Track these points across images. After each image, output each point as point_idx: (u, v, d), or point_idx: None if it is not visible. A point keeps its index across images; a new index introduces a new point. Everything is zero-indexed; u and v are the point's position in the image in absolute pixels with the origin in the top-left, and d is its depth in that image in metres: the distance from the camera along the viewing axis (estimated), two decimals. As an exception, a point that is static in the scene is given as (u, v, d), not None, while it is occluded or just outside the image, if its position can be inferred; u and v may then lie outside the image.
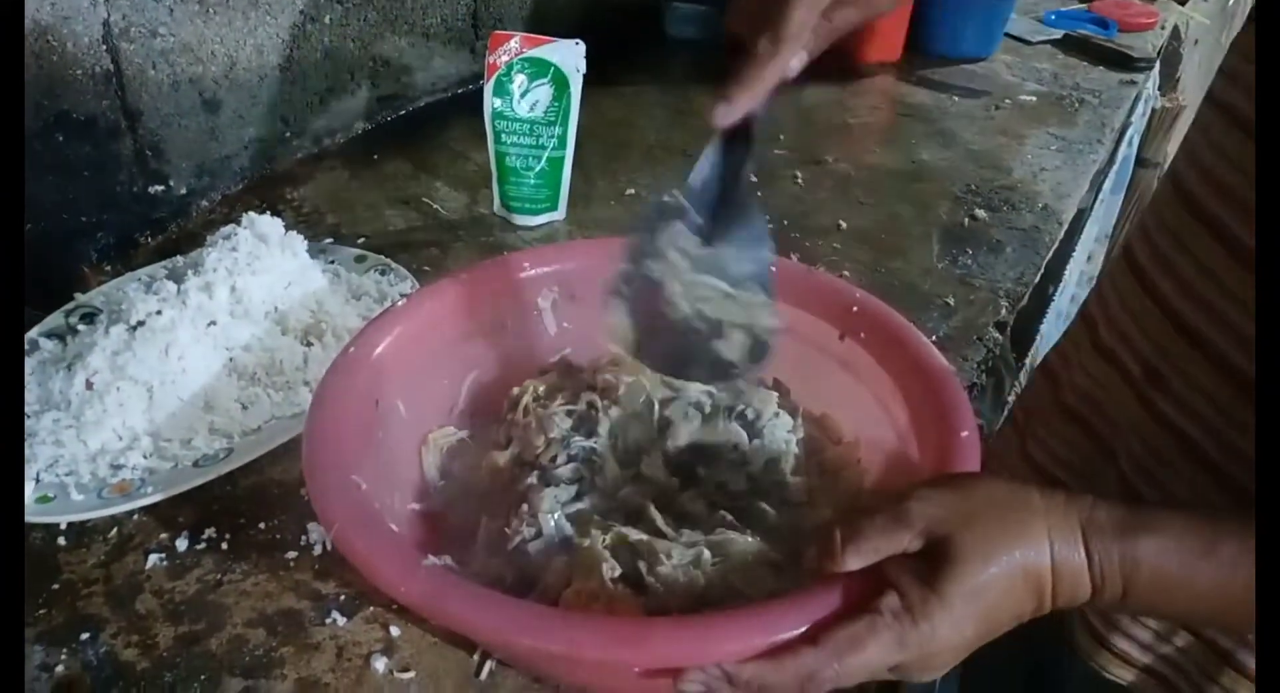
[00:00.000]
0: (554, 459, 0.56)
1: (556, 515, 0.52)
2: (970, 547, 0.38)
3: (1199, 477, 0.52)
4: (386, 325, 0.58)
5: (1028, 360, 0.92)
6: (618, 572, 0.48)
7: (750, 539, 0.49)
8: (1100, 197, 1.33)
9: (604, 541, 0.49)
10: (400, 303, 0.59)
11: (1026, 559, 0.39)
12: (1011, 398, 0.88)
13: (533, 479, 0.55)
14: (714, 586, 0.47)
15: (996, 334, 0.80)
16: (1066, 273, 1.07)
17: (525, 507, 0.53)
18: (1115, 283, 0.60)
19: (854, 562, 0.40)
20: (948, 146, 1.14)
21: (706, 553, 0.48)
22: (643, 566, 0.48)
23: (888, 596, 0.39)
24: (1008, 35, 1.49)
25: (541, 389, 0.62)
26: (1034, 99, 1.30)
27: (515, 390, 0.62)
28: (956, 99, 1.28)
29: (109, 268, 0.84)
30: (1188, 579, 0.39)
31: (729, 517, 0.52)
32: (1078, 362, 0.63)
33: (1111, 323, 0.59)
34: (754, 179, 0.48)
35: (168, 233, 0.90)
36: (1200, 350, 0.51)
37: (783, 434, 0.58)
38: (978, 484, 0.42)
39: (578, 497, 0.54)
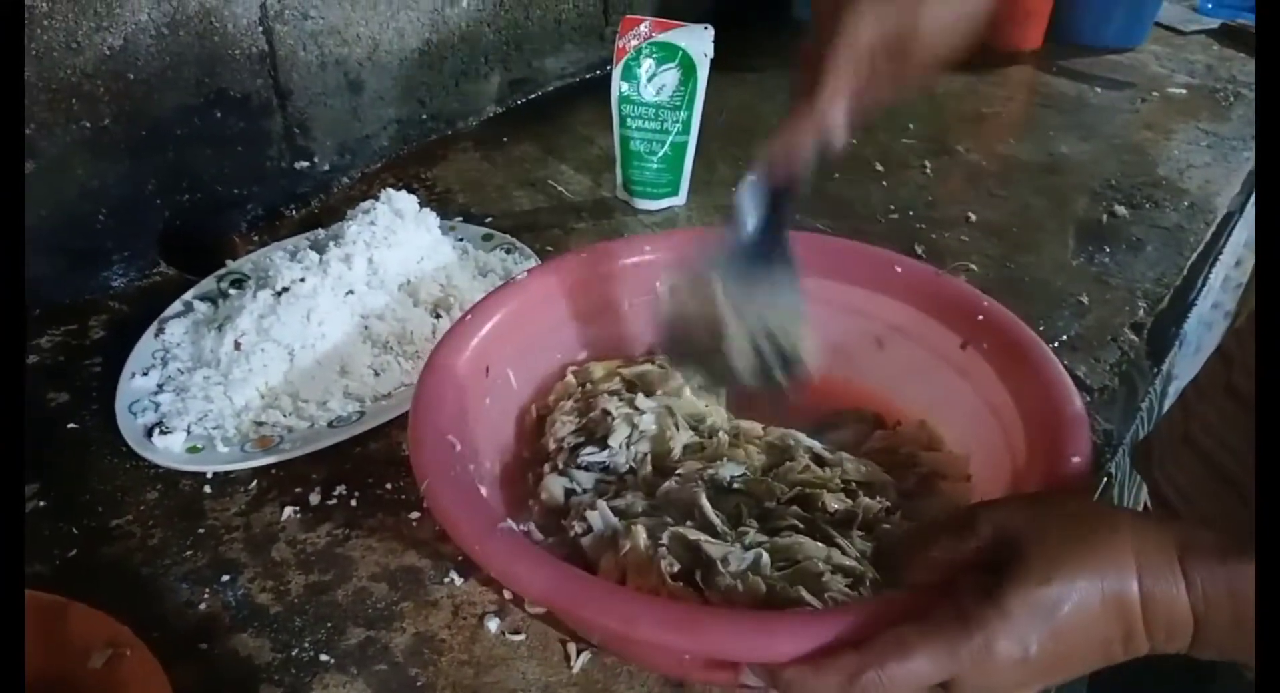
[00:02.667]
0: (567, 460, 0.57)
1: (600, 511, 0.52)
2: (1037, 557, 0.35)
3: None
4: (505, 297, 0.60)
5: (1164, 366, 0.88)
6: (676, 568, 0.47)
7: (820, 545, 0.48)
8: (1252, 198, 1.24)
9: (660, 539, 0.48)
10: (520, 276, 0.61)
11: (1106, 581, 0.35)
12: (1145, 404, 0.84)
13: (545, 467, 0.57)
14: (777, 593, 0.46)
15: (1132, 336, 0.77)
16: (1212, 277, 1.01)
17: (543, 495, 0.55)
18: None
19: (918, 570, 0.38)
20: (1087, 139, 1.09)
21: (766, 558, 0.47)
22: (699, 574, 0.47)
23: (945, 604, 0.36)
24: (1158, 24, 1.41)
25: (599, 373, 0.62)
26: (1184, 92, 1.23)
27: (572, 373, 0.63)
28: (1099, 90, 1.23)
29: (256, 237, 0.89)
30: None
31: (795, 517, 0.51)
32: (1245, 349, 0.59)
33: None
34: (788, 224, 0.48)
35: (310, 206, 0.95)
36: None
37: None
38: (1062, 500, 0.39)
39: (616, 495, 0.54)
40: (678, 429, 0.58)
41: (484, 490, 0.48)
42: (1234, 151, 1.08)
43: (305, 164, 0.94)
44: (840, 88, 0.44)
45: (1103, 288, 0.83)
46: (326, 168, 0.96)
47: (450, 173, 1.01)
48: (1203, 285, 0.97)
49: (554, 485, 0.56)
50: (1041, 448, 0.49)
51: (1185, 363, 1.00)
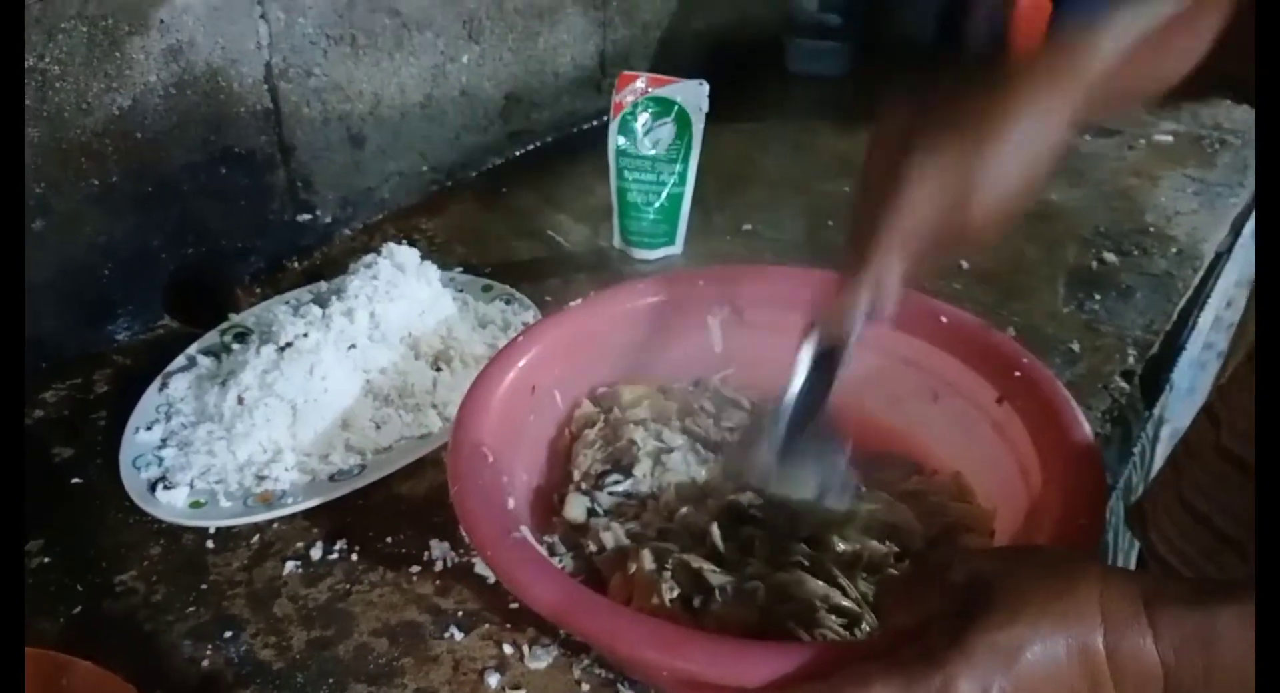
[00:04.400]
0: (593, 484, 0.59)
1: (614, 532, 0.56)
2: (1002, 602, 0.36)
3: None
4: (559, 321, 0.63)
5: (1156, 410, 0.89)
6: (676, 592, 0.50)
7: (821, 584, 0.49)
8: (1240, 240, 1.26)
9: (665, 563, 0.51)
10: (575, 304, 0.64)
11: (1070, 631, 0.35)
12: (1138, 449, 0.85)
13: (570, 486, 0.60)
14: (768, 624, 0.48)
15: (1123, 383, 0.78)
16: (1200, 320, 1.03)
17: (566, 513, 0.59)
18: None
19: (894, 614, 0.39)
20: (1077, 186, 1.11)
21: (761, 590, 0.49)
22: (698, 600, 0.50)
23: (913, 644, 0.37)
24: (1144, 72, 1.44)
25: (627, 397, 0.64)
26: (1170, 138, 1.25)
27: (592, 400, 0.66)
28: (1089, 137, 1.25)
29: (259, 289, 0.90)
30: None
31: (803, 554, 0.52)
32: (1238, 402, 0.60)
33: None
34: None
35: (313, 258, 0.96)
36: None
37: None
38: (1031, 548, 0.41)
39: (635, 516, 0.57)
40: (702, 465, 0.60)
41: (512, 502, 0.52)
42: (1220, 197, 1.10)
43: (308, 217, 0.96)
44: (894, 264, 0.45)
45: (1093, 335, 0.84)
46: (329, 220, 0.98)
47: (450, 224, 1.03)
48: (1191, 330, 0.99)
49: (576, 505, 0.59)
50: (1057, 507, 0.50)
51: (1177, 405, 1.01)
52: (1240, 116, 1.33)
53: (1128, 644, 0.35)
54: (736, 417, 0.66)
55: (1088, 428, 0.54)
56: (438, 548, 0.61)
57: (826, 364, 0.50)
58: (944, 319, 0.63)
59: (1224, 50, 0.52)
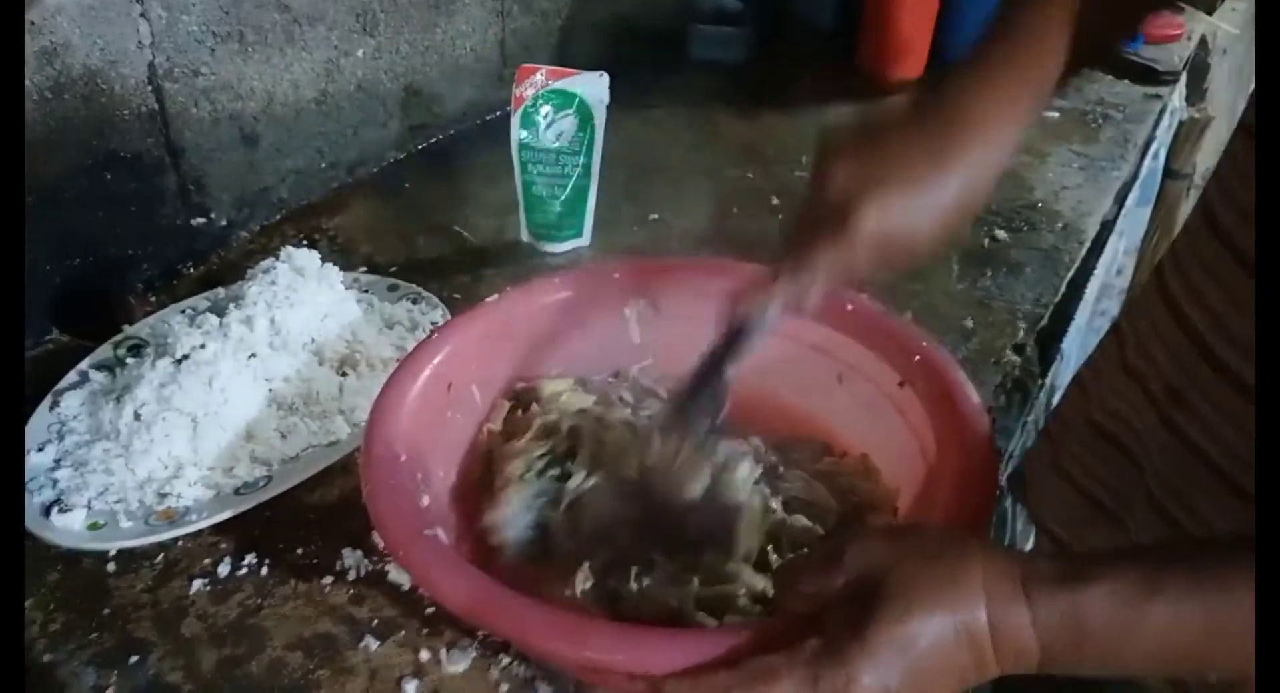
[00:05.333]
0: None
1: (527, 522, 0.57)
2: (897, 594, 0.38)
3: (1224, 499, 0.52)
4: (473, 318, 0.63)
5: (1048, 379, 0.93)
6: (590, 582, 0.51)
7: (756, 574, 0.51)
8: (1124, 211, 1.33)
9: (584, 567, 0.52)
10: (491, 298, 0.64)
11: (958, 615, 0.38)
12: (1031, 418, 0.89)
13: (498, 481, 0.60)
14: (682, 612, 0.49)
15: (1014, 356, 0.82)
16: (1087, 291, 1.08)
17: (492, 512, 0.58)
18: (1145, 305, 0.61)
19: (790, 601, 0.41)
20: (970, 166, 1.15)
21: (696, 580, 0.50)
22: (614, 582, 0.51)
23: (815, 636, 0.39)
24: (1032, 50, 1.49)
25: (548, 391, 0.65)
26: (1057, 115, 1.30)
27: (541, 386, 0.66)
28: (979, 117, 1.29)
29: (154, 298, 0.88)
30: (1137, 624, 0.37)
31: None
32: (1107, 378, 0.63)
33: (1140, 343, 0.60)
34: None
35: (209, 263, 0.94)
36: (1224, 376, 0.51)
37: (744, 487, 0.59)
38: (919, 532, 0.43)
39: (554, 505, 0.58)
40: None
41: (426, 500, 0.52)
42: (1103, 172, 1.15)
43: (202, 220, 0.93)
44: (827, 278, 0.49)
45: (986, 311, 0.87)
46: (224, 223, 0.95)
47: (352, 222, 1.01)
48: (1078, 301, 1.04)
49: (507, 503, 0.58)
50: (950, 488, 0.52)
51: (1067, 374, 1.06)
52: (1121, 91, 1.39)
53: (1007, 622, 0.38)
54: (655, 406, 0.66)
55: (982, 411, 0.56)
56: (350, 557, 0.61)
57: (734, 341, 0.52)
58: (849, 306, 0.65)
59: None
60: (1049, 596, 0.38)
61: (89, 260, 0.84)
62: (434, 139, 1.18)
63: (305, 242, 0.96)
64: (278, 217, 1.01)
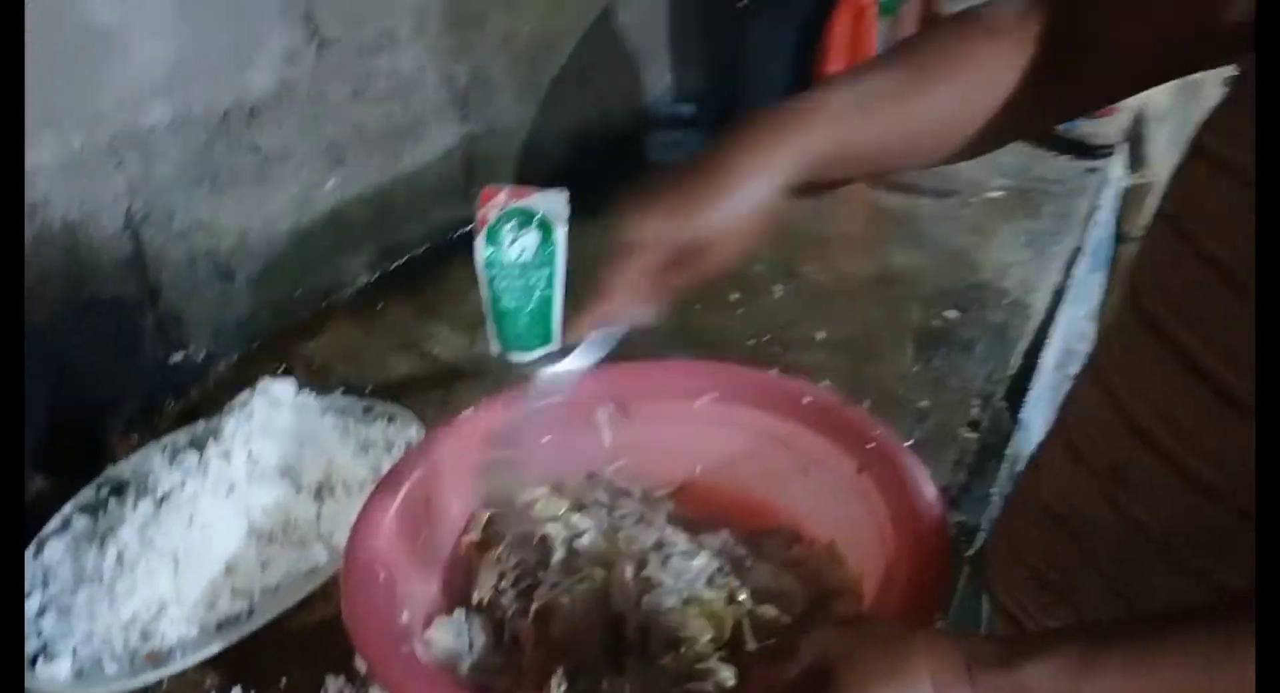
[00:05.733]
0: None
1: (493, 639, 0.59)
2: (846, 680, 0.40)
3: (1169, 575, 0.54)
4: (449, 433, 0.66)
5: (1007, 451, 0.96)
6: (563, 688, 0.53)
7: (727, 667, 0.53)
8: (1076, 280, 1.37)
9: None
10: (465, 413, 0.67)
11: None
12: (995, 490, 0.91)
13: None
14: None
15: (969, 433, 0.84)
16: (1044, 361, 1.11)
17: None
18: (1082, 387, 0.64)
19: (751, 691, 0.43)
20: (919, 248, 1.20)
21: (665, 679, 0.52)
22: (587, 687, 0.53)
23: None
24: (973, 133, 1.56)
25: (539, 503, 0.67)
26: (1001, 193, 1.36)
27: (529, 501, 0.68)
28: (927, 201, 1.35)
29: (136, 435, 0.90)
30: None
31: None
32: (1055, 460, 0.66)
33: (1081, 425, 0.62)
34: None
35: (188, 396, 0.97)
36: (1158, 455, 0.54)
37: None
38: (869, 623, 0.45)
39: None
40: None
41: (406, 615, 0.55)
42: (1048, 246, 1.20)
43: (180, 355, 0.96)
44: (623, 298, 0.54)
45: (941, 390, 0.90)
46: (202, 356, 0.98)
47: (327, 346, 1.04)
48: (1036, 371, 1.07)
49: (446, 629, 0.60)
50: (905, 572, 0.54)
51: (1031, 445, 1.09)
52: (1061, 167, 1.46)
53: None
54: (629, 505, 0.69)
55: (933, 496, 0.59)
56: (333, 683, 0.62)
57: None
58: (806, 399, 0.68)
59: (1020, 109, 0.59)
60: (992, 678, 0.40)
61: (72, 401, 0.86)
62: (404, 259, 1.22)
63: (282, 368, 0.99)
64: (254, 346, 1.04)
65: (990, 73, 0.58)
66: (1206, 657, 0.39)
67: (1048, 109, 0.63)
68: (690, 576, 0.59)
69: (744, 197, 0.54)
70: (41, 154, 0.80)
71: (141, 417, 0.92)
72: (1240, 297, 0.48)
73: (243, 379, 0.95)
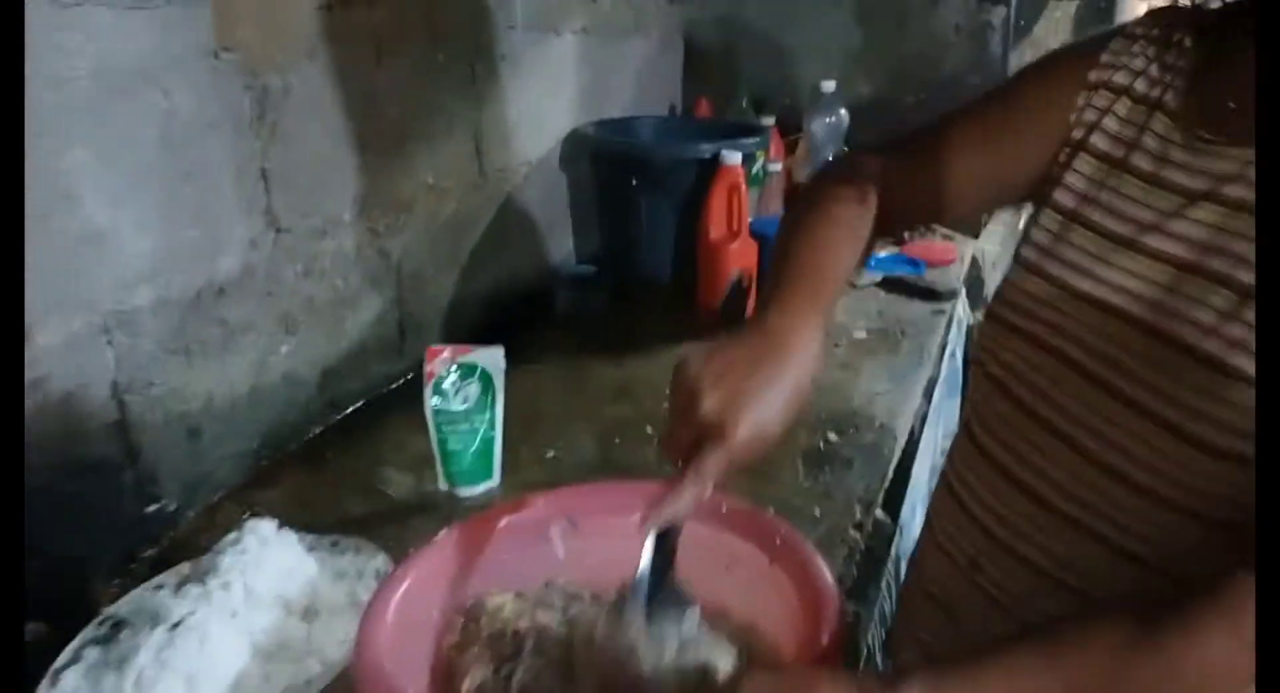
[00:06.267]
0: None
1: None
2: None
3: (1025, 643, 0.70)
4: (429, 554, 0.76)
5: (892, 552, 1.13)
6: None
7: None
8: (935, 404, 1.60)
9: None
10: (441, 535, 0.78)
11: None
12: (884, 583, 1.08)
13: None
14: None
15: (855, 534, 1.02)
16: (915, 473, 1.31)
17: None
18: (939, 496, 0.82)
19: None
20: (801, 383, 1.40)
21: None
22: None
23: None
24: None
25: (492, 605, 0.79)
26: (865, 336, 1.60)
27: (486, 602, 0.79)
28: (803, 342, 1.57)
29: (116, 582, 0.98)
30: None
31: None
32: (925, 556, 0.83)
33: (942, 525, 0.80)
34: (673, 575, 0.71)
35: (160, 544, 1.05)
36: (1001, 548, 0.71)
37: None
38: (792, 669, 0.60)
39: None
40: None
41: None
42: (906, 377, 1.43)
43: (154, 507, 1.06)
44: (712, 477, 0.64)
45: (829, 501, 1.08)
46: (174, 507, 1.08)
47: (284, 494, 1.15)
48: (907, 484, 1.27)
49: None
50: (814, 643, 0.69)
51: (909, 542, 1.27)
52: (914, 310, 1.72)
53: None
54: (579, 607, 0.81)
55: (831, 580, 0.74)
56: (336, 776, 0.72)
57: (666, 543, 0.69)
58: (724, 508, 0.84)
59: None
60: None
61: (57, 555, 0.94)
62: (347, 411, 1.35)
63: (247, 515, 1.08)
64: (218, 496, 1.14)
65: (859, 232, 0.80)
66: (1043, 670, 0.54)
67: (905, 225, 0.85)
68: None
69: (799, 384, 0.66)
70: (48, 336, 0.91)
71: (120, 564, 1.01)
72: (1037, 426, 0.68)
73: (210, 528, 1.06)
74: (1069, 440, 0.65)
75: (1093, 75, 0.73)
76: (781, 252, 0.78)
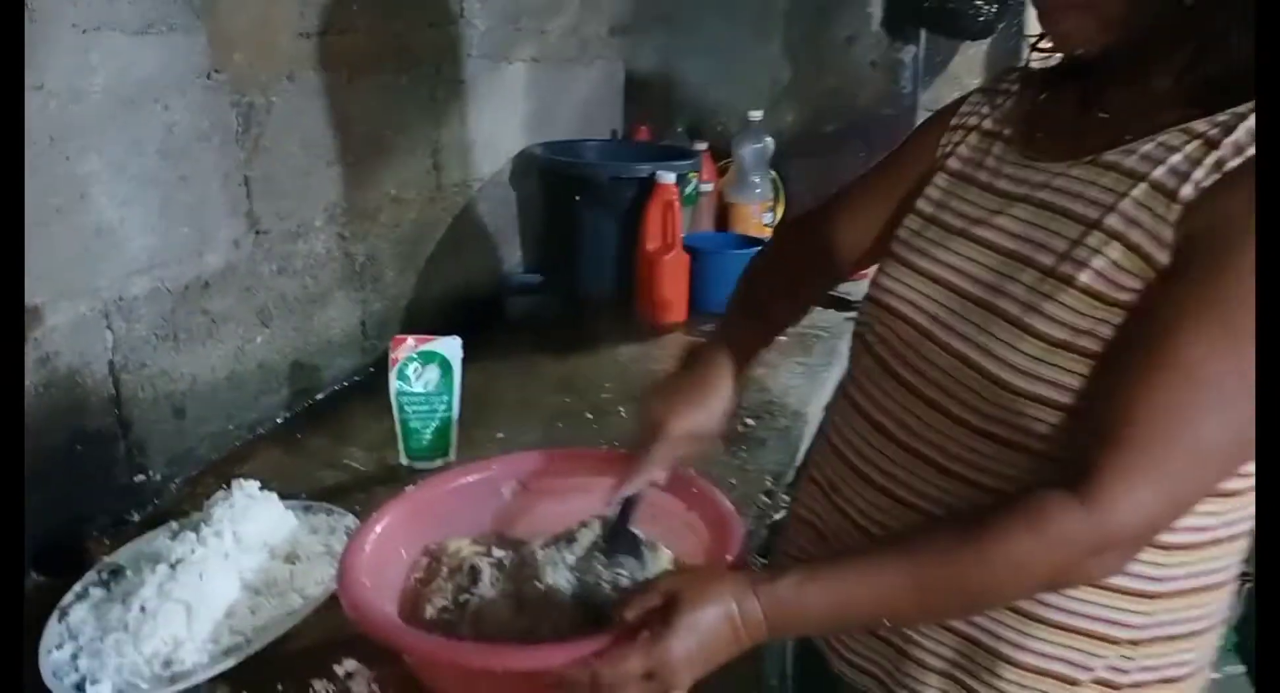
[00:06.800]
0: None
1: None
2: (684, 598, 0.69)
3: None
4: (400, 502, 0.91)
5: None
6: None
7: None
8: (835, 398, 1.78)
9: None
10: (410, 488, 0.94)
11: (719, 607, 0.68)
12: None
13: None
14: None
15: (765, 499, 1.18)
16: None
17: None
18: (818, 441, 0.99)
19: (628, 613, 0.71)
20: (725, 379, 1.57)
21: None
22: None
23: (644, 632, 0.69)
24: (763, 293, 2.00)
25: (451, 547, 0.93)
26: (784, 338, 1.76)
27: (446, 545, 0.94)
28: (729, 344, 1.74)
29: (106, 542, 1.10)
30: (802, 598, 0.69)
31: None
32: (802, 490, 1.00)
33: (815, 462, 0.97)
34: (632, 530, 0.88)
35: (146, 511, 1.17)
36: (853, 471, 0.88)
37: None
38: (700, 567, 0.76)
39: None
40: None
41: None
42: (818, 374, 1.60)
43: (142, 478, 1.18)
44: (662, 461, 0.86)
45: (745, 473, 1.24)
46: (159, 478, 1.20)
47: (260, 469, 1.27)
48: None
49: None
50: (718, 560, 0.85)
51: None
52: (828, 317, 1.89)
53: (745, 608, 0.70)
54: (525, 550, 0.96)
55: (732, 510, 0.90)
56: (320, 685, 0.85)
57: (629, 505, 0.87)
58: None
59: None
60: (765, 590, 0.70)
61: (59, 515, 1.06)
62: (315, 399, 1.48)
63: (225, 487, 1.21)
64: (198, 471, 1.26)
65: (799, 288, 1.04)
66: (907, 564, 0.70)
67: (828, 285, 1.05)
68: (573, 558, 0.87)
69: (723, 402, 0.91)
70: (58, 317, 1.04)
71: (111, 527, 1.12)
72: (886, 374, 0.85)
73: (192, 497, 1.18)
74: (906, 384, 0.82)
75: (953, 120, 0.93)
76: (726, 313, 1.03)
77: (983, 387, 0.75)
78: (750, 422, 1.40)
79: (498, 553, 0.93)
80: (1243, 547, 0.78)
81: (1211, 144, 0.69)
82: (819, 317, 1.89)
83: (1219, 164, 0.68)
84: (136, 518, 1.16)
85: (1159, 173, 0.71)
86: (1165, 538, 0.73)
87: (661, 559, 0.89)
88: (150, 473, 1.19)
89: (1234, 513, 0.75)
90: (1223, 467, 0.70)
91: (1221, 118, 0.70)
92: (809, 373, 1.60)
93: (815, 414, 1.47)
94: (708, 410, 0.89)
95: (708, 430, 0.90)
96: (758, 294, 1.04)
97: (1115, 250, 0.71)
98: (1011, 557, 0.68)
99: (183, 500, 1.18)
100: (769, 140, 2.14)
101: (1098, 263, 0.72)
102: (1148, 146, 0.73)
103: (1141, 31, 0.71)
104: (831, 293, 1.98)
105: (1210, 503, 0.73)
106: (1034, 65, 0.88)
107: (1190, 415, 0.66)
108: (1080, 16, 0.73)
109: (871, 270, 0.94)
